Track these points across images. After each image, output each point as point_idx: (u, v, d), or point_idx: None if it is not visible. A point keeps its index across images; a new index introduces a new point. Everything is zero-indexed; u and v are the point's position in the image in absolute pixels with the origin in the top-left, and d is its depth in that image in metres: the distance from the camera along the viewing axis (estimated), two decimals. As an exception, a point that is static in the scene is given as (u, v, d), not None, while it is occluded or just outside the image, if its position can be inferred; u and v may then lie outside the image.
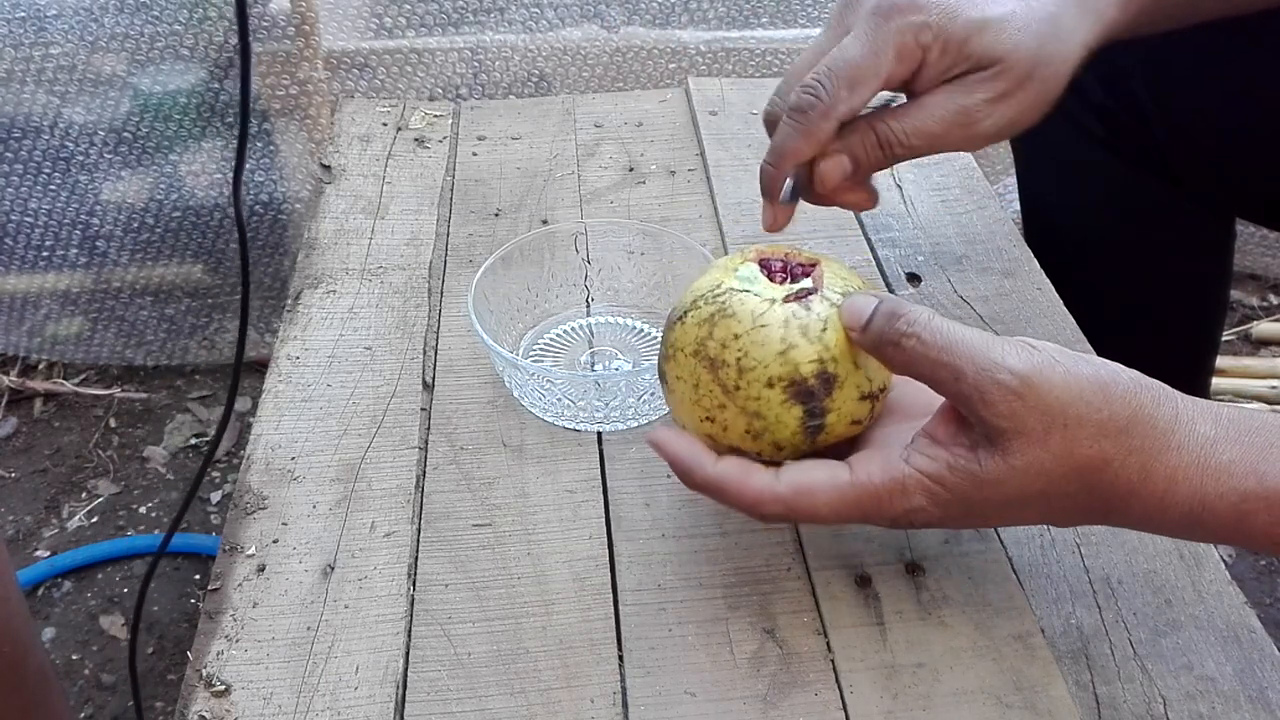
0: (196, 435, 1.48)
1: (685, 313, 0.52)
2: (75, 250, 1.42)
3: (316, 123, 1.35)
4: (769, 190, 0.59)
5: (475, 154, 0.92)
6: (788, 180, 0.60)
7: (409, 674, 0.53)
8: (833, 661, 0.53)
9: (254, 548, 0.59)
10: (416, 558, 0.59)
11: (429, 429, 0.67)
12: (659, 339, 0.56)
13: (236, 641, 0.55)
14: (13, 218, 1.38)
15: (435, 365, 0.71)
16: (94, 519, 1.37)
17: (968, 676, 0.52)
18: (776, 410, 0.50)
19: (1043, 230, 0.94)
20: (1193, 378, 1.00)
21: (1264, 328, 1.62)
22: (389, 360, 0.71)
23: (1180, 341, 0.97)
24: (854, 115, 0.57)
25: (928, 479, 0.46)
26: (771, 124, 0.61)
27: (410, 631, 0.55)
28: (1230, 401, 1.48)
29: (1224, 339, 1.54)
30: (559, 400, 0.64)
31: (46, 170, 1.35)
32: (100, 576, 1.30)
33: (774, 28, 1.37)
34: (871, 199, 0.63)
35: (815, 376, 0.49)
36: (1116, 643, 0.54)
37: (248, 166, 1.39)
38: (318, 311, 0.75)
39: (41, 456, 1.45)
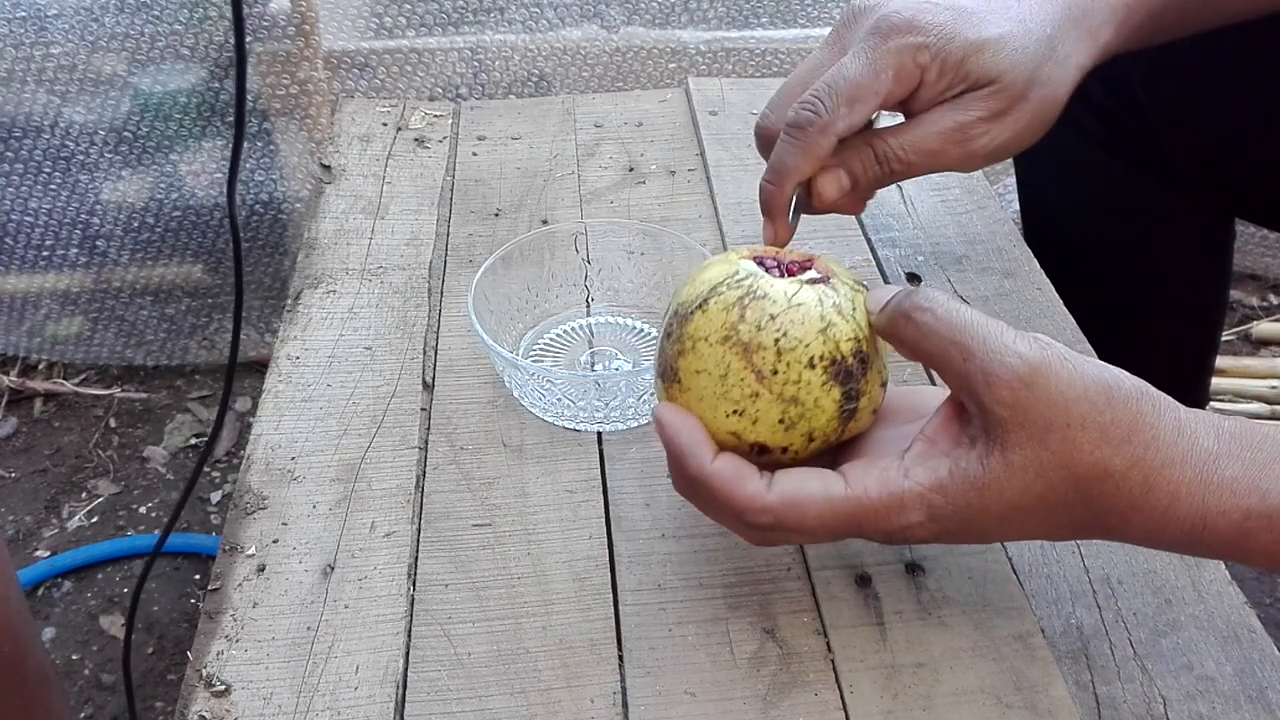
0: (196, 435, 1.48)
1: (704, 301, 0.49)
2: (75, 250, 1.42)
3: (316, 122, 1.35)
4: (769, 208, 0.58)
5: (475, 154, 0.92)
6: (794, 199, 0.60)
7: (409, 674, 0.53)
8: (833, 661, 0.53)
9: (254, 548, 0.59)
10: (416, 558, 0.59)
11: (429, 429, 0.67)
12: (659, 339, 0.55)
13: (236, 641, 0.55)
14: (13, 217, 1.38)
15: (435, 365, 0.71)
16: (94, 519, 1.37)
17: (968, 676, 0.52)
18: (816, 393, 0.48)
19: (1043, 230, 0.94)
20: (1193, 378, 1.00)
21: (1264, 328, 1.62)
22: (389, 360, 0.71)
23: (1180, 341, 0.97)
24: (852, 132, 0.57)
25: (928, 490, 0.45)
26: (764, 138, 0.61)
27: (410, 631, 0.55)
28: (1230, 401, 1.48)
29: (1224, 339, 1.55)
30: (559, 400, 0.64)
31: (47, 170, 1.35)
32: (100, 576, 1.30)
33: (774, 28, 1.37)
34: (861, 204, 0.64)
35: (854, 355, 0.48)
36: (1116, 643, 0.54)
37: (248, 166, 1.39)
38: (318, 311, 0.75)
39: (41, 456, 1.45)
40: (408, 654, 0.54)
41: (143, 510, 1.38)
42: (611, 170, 0.90)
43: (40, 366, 1.55)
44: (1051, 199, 0.94)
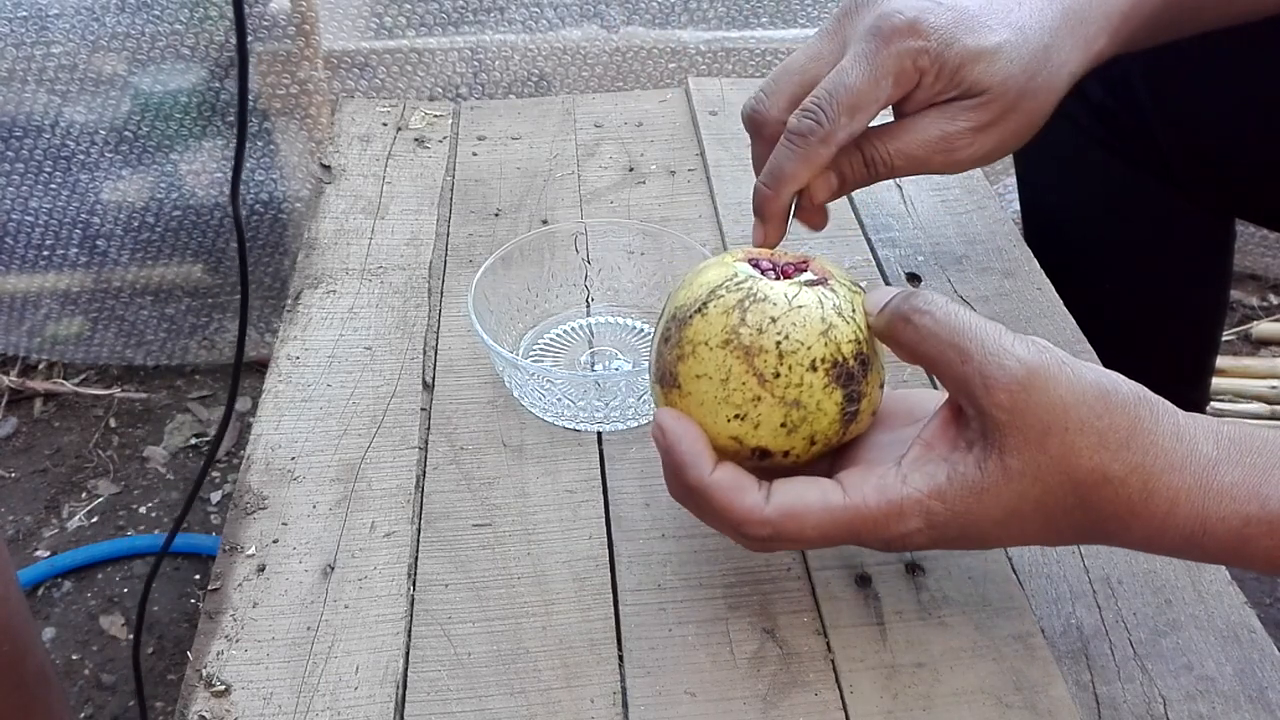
0: (196, 435, 1.48)
1: (703, 304, 0.49)
2: (75, 250, 1.42)
3: (317, 122, 1.35)
4: (764, 213, 0.58)
5: (475, 154, 0.92)
6: (792, 205, 0.59)
7: (409, 674, 0.53)
8: (833, 661, 0.53)
9: (254, 548, 0.59)
10: (416, 558, 0.59)
11: (429, 429, 0.67)
12: None
13: (236, 641, 0.55)
14: (13, 217, 1.38)
15: (435, 365, 0.71)
16: (94, 519, 1.37)
17: (968, 676, 0.52)
18: (818, 396, 0.48)
19: (1043, 230, 0.94)
20: (1193, 378, 1.00)
21: (1264, 328, 1.62)
22: (389, 360, 0.71)
23: (1180, 341, 0.97)
24: (851, 140, 0.57)
25: (926, 496, 0.45)
26: (754, 121, 0.60)
27: (410, 631, 0.55)
28: (1230, 401, 1.48)
29: (1224, 339, 1.54)
30: (559, 400, 0.64)
31: (47, 169, 1.35)
32: (100, 576, 1.30)
33: (774, 28, 1.37)
34: (824, 222, 0.63)
35: (855, 357, 0.48)
36: (1116, 643, 0.54)
37: (248, 166, 1.39)
38: (318, 311, 0.75)
39: (41, 456, 1.45)
40: (408, 654, 0.54)
41: (143, 510, 1.38)
42: (611, 170, 0.90)
43: (40, 366, 1.55)
44: (1051, 199, 0.94)
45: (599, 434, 0.66)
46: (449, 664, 0.53)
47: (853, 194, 0.85)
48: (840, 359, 0.48)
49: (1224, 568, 0.58)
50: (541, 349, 0.72)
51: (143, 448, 1.46)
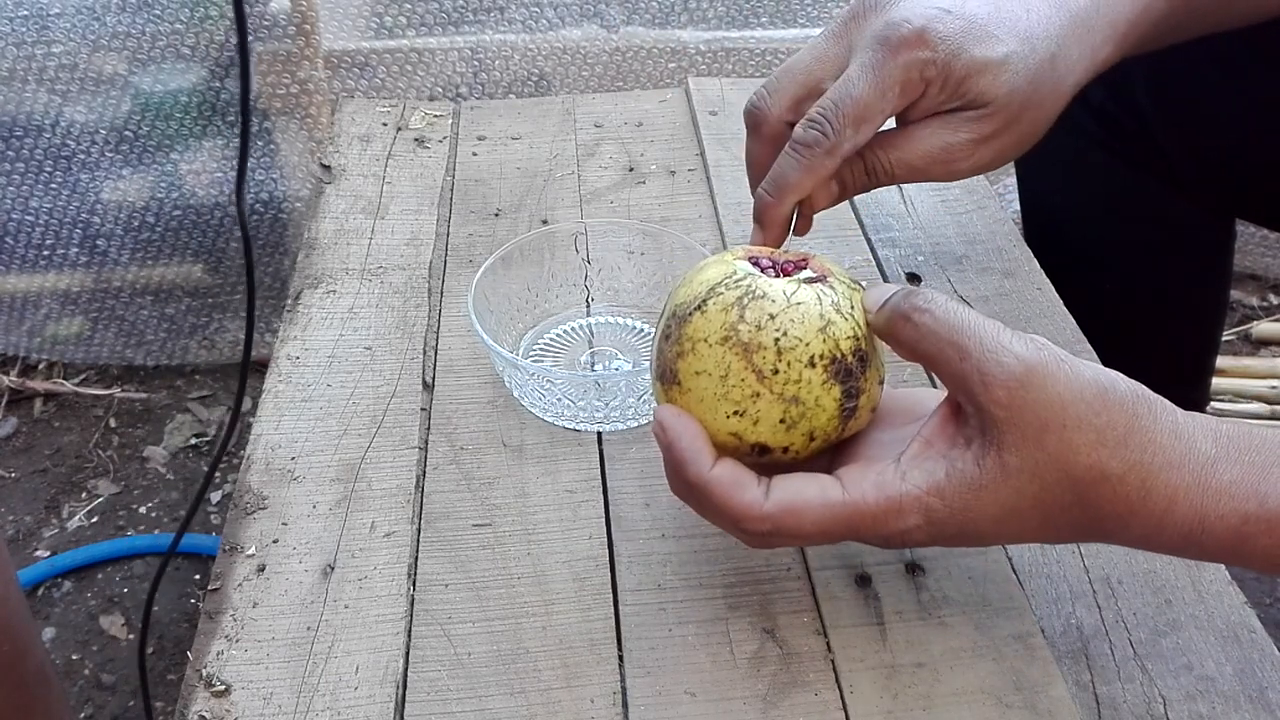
0: (196, 435, 1.48)
1: (703, 302, 0.49)
2: (75, 249, 1.42)
3: (317, 122, 1.35)
4: (765, 220, 0.58)
5: (475, 154, 0.92)
6: (794, 213, 0.59)
7: (409, 674, 0.53)
8: (833, 661, 0.53)
9: (254, 548, 0.59)
10: (416, 558, 0.59)
11: (429, 429, 0.67)
12: None
13: (236, 641, 0.55)
14: (14, 216, 1.38)
15: (435, 365, 0.71)
16: (94, 519, 1.37)
17: (968, 676, 0.52)
18: (817, 392, 0.48)
19: (1043, 230, 0.94)
20: (1193, 378, 1.00)
21: (1264, 328, 1.62)
22: (389, 360, 0.71)
23: (1180, 341, 0.97)
24: (855, 150, 0.57)
25: (924, 493, 0.45)
26: (754, 121, 0.60)
27: (410, 631, 0.55)
28: (1230, 401, 1.48)
29: (1224, 339, 1.54)
30: (559, 400, 0.64)
31: (48, 169, 1.35)
32: (100, 576, 1.30)
33: (774, 28, 1.37)
34: (808, 228, 0.63)
35: (853, 354, 0.48)
36: (1116, 643, 0.54)
37: (249, 165, 1.39)
38: (318, 311, 0.75)
39: (41, 456, 1.45)
40: (408, 654, 0.54)
41: (143, 510, 1.38)
42: (611, 170, 0.90)
43: (40, 366, 1.55)
44: (1051, 199, 0.94)
45: (599, 434, 0.66)
46: (449, 664, 0.53)
47: (853, 194, 0.85)
48: (839, 355, 0.48)
49: (1224, 567, 0.58)
50: (541, 349, 0.72)
51: (143, 448, 1.46)
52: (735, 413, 0.49)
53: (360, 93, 1.34)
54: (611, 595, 0.57)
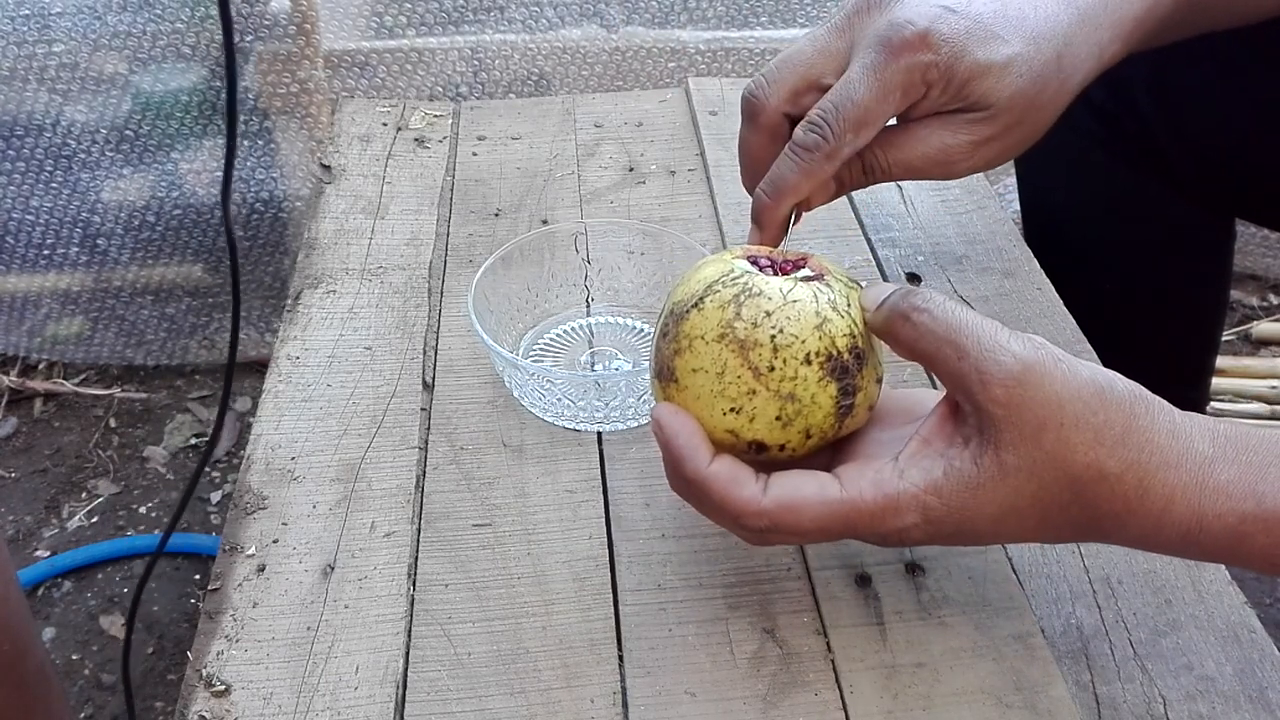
0: (196, 435, 1.48)
1: (700, 299, 0.50)
2: (76, 249, 1.42)
3: (317, 121, 1.35)
4: (762, 221, 0.58)
5: (475, 154, 0.92)
6: (792, 215, 0.59)
7: (409, 674, 0.53)
8: (833, 661, 0.53)
9: (254, 548, 0.59)
10: (416, 558, 0.59)
11: (429, 429, 0.67)
12: None
13: (236, 641, 0.55)
14: (14, 215, 1.38)
15: (435, 365, 0.71)
16: (94, 519, 1.37)
17: (968, 676, 0.52)
18: (813, 389, 0.48)
19: (1043, 230, 0.94)
20: (1193, 378, 1.00)
21: (1264, 328, 1.62)
22: (389, 360, 0.71)
23: (1180, 341, 0.97)
24: (855, 153, 0.57)
25: (922, 491, 0.45)
26: (751, 109, 0.59)
27: (410, 631, 0.55)
28: (1230, 401, 1.48)
29: (1224, 339, 1.54)
30: (559, 400, 0.64)
31: (49, 169, 1.35)
32: (100, 576, 1.30)
33: (774, 27, 1.37)
34: (798, 223, 0.63)
35: (849, 351, 0.48)
36: (1116, 643, 0.54)
37: (249, 165, 1.39)
38: (318, 311, 0.75)
39: (41, 456, 1.45)
40: (408, 654, 0.54)
41: (143, 510, 1.38)
42: (611, 170, 0.90)
43: (40, 366, 1.55)
44: (1051, 199, 0.94)
45: (599, 434, 0.66)
46: (449, 664, 0.53)
47: (853, 194, 0.85)
48: (835, 353, 0.48)
49: (1224, 568, 0.58)
50: (541, 349, 0.72)
51: (143, 448, 1.46)
52: (731, 410, 0.49)
53: (360, 93, 1.34)
54: (611, 595, 0.57)
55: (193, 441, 1.47)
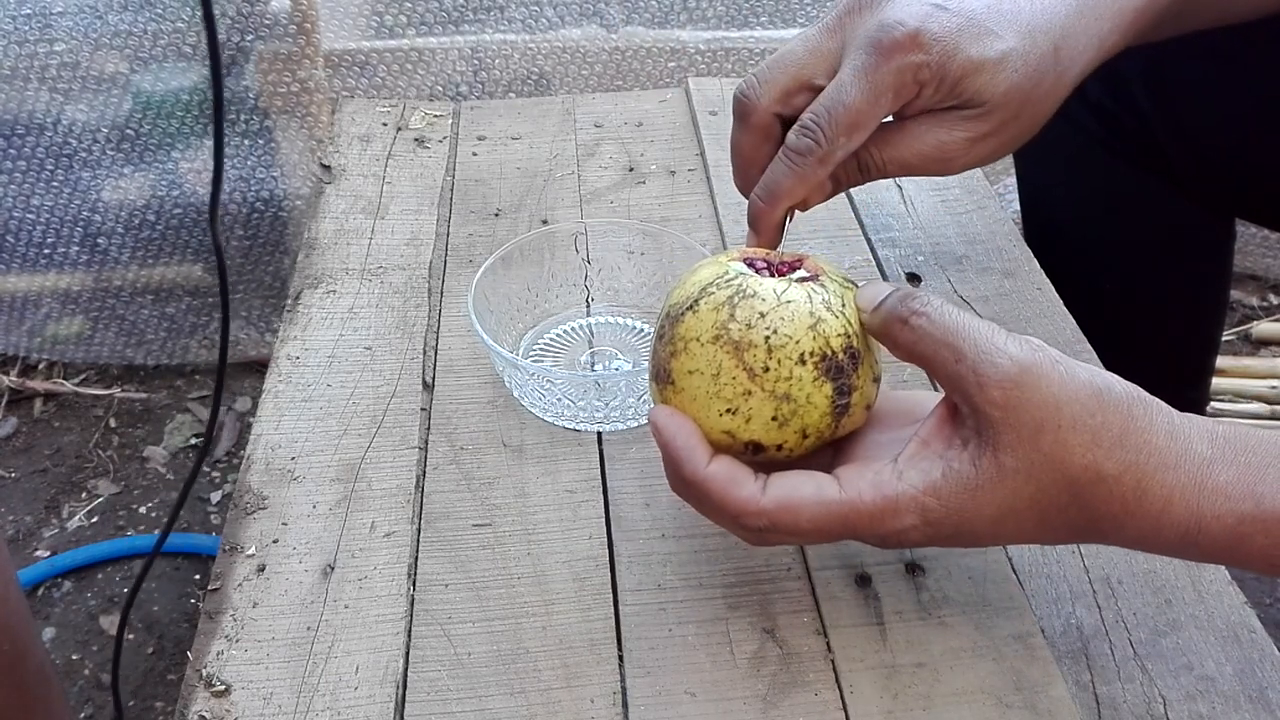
0: (196, 435, 1.48)
1: (695, 302, 0.50)
2: (76, 248, 1.42)
3: (318, 121, 1.35)
4: (758, 226, 0.58)
5: (475, 154, 0.92)
6: (787, 218, 0.59)
7: (409, 674, 0.53)
8: (833, 661, 0.53)
9: (254, 548, 0.59)
10: (416, 558, 0.59)
11: (429, 429, 0.67)
12: None
13: (236, 641, 0.55)
14: (15, 214, 1.38)
15: (435, 365, 0.71)
16: (94, 519, 1.37)
17: (968, 676, 0.52)
18: (808, 389, 0.48)
19: (1043, 230, 0.94)
20: (1193, 378, 1.00)
21: (1264, 328, 1.62)
22: (389, 360, 0.71)
23: (1180, 341, 0.97)
24: (848, 154, 0.56)
25: (921, 493, 0.45)
26: (743, 110, 0.59)
27: (410, 631, 0.55)
28: (1230, 401, 1.48)
29: (1224, 339, 1.54)
30: (559, 400, 0.64)
31: (49, 168, 1.35)
32: (100, 576, 1.30)
33: (774, 27, 1.37)
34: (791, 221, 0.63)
35: (844, 351, 0.49)
36: (1116, 643, 0.54)
37: (249, 164, 1.39)
38: (318, 311, 0.75)
39: (41, 456, 1.45)
40: (408, 654, 0.54)
41: (143, 510, 1.38)
42: (611, 170, 0.90)
43: (40, 366, 1.55)
44: (1051, 199, 0.94)
45: (599, 434, 0.66)
46: (449, 664, 0.53)
47: (853, 194, 0.85)
48: (829, 352, 0.48)
49: (1224, 568, 0.58)
50: (541, 349, 0.72)
51: (143, 448, 1.46)
52: (728, 411, 0.49)
53: (360, 92, 1.34)
54: (611, 595, 0.57)
55: (193, 441, 1.47)
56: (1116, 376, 0.46)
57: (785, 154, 0.56)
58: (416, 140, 0.93)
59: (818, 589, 0.56)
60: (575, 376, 0.67)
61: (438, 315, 0.75)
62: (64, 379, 1.54)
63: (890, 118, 0.59)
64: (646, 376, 0.62)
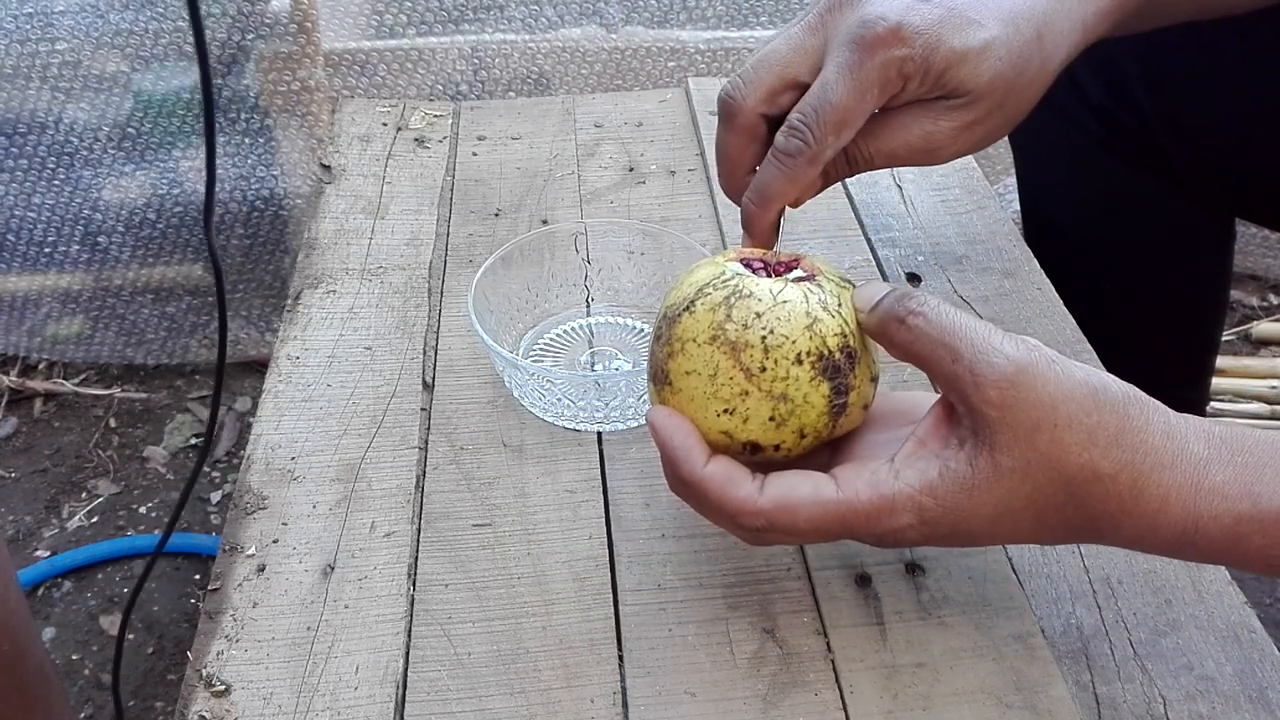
0: (196, 435, 1.48)
1: (691, 302, 0.50)
2: (77, 247, 1.42)
3: (318, 120, 1.35)
4: (753, 230, 0.58)
5: (475, 154, 0.92)
6: (780, 219, 0.59)
7: (409, 674, 0.53)
8: (833, 661, 0.53)
9: (254, 548, 0.59)
10: (416, 558, 0.59)
11: (429, 429, 0.67)
12: None
13: (236, 641, 0.55)
14: (16, 213, 1.38)
15: (435, 365, 0.71)
16: (94, 519, 1.37)
17: (968, 676, 0.52)
18: (805, 389, 0.48)
19: (1043, 230, 0.94)
20: (1193, 378, 1.00)
21: (1264, 328, 1.62)
22: (389, 360, 0.71)
23: (1180, 341, 0.97)
24: (837, 152, 0.56)
25: (917, 492, 0.45)
26: (728, 112, 0.58)
27: (410, 631, 0.55)
28: (1230, 401, 1.48)
29: (1224, 339, 1.54)
30: (559, 400, 0.64)
31: (50, 166, 1.35)
32: (100, 576, 1.30)
33: (773, 27, 1.37)
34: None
35: (840, 350, 0.49)
36: (1116, 643, 0.54)
37: (249, 162, 1.39)
38: (318, 311, 0.75)
39: (41, 456, 1.45)
40: (408, 654, 0.54)
41: (143, 510, 1.38)
42: (611, 170, 0.90)
43: (40, 366, 1.55)
44: (1051, 199, 0.94)
45: (599, 434, 0.66)
46: (449, 664, 0.53)
47: (853, 194, 0.86)
48: (826, 352, 0.48)
49: (1224, 568, 0.58)
50: (541, 349, 0.72)
51: (143, 448, 1.46)
52: (725, 411, 0.49)
53: (360, 92, 1.34)
54: (611, 595, 0.57)
55: (193, 441, 1.47)
56: (1113, 376, 0.46)
57: (775, 156, 0.56)
58: (416, 140, 0.93)
59: (818, 589, 0.56)
60: (575, 376, 0.67)
61: (438, 315, 0.75)
62: (64, 379, 1.54)
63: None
64: (646, 376, 0.62)
